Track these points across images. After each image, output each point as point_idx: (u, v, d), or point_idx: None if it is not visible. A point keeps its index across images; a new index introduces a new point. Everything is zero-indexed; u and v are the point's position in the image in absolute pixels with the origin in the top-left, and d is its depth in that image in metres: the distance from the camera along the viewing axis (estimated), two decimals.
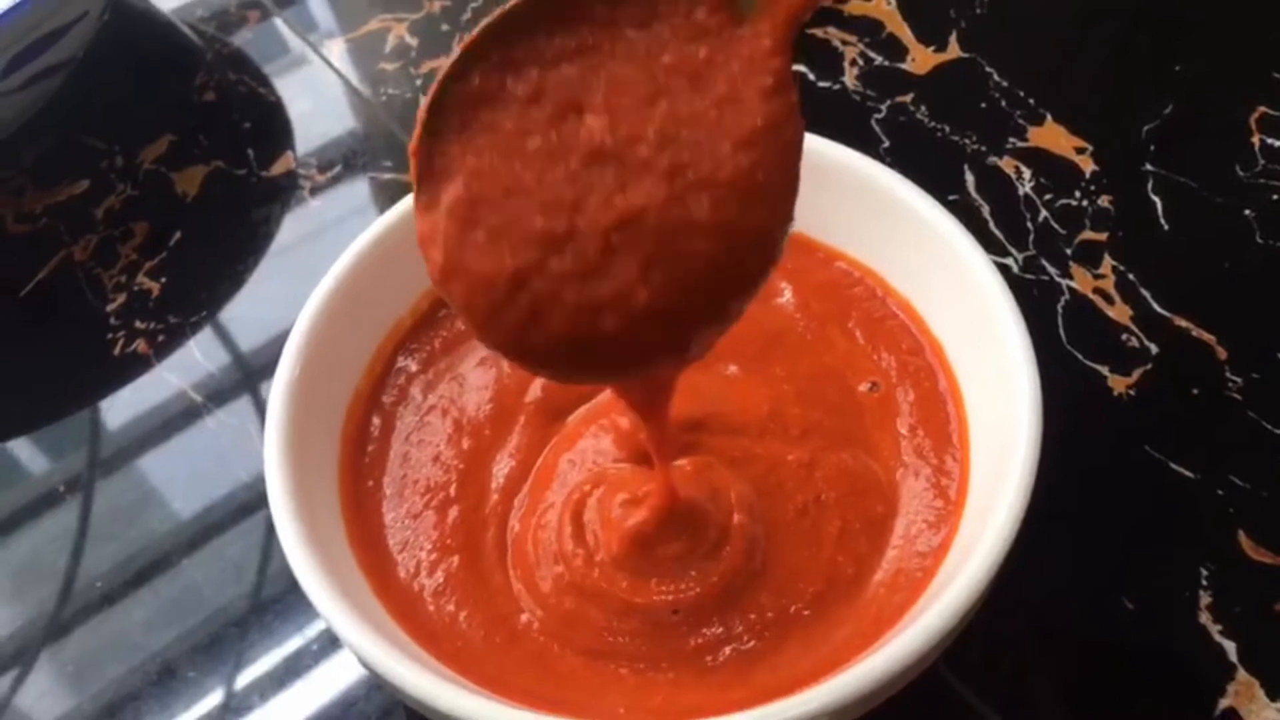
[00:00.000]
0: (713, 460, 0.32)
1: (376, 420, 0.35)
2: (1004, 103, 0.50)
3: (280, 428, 0.31)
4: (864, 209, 0.36)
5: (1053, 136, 0.48)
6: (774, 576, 0.31)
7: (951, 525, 0.31)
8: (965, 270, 0.33)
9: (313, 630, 0.37)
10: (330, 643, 0.36)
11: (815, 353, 0.35)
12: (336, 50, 0.56)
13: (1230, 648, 0.34)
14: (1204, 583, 0.35)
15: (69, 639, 0.38)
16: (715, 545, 0.31)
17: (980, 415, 0.33)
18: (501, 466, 0.34)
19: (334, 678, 0.36)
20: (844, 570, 0.31)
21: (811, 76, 0.52)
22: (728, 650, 0.30)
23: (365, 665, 0.28)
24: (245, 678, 0.36)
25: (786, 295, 0.37)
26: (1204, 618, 0.35)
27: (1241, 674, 0.33)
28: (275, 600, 0.38)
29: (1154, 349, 0.41)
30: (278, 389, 0.32)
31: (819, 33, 0.53)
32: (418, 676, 0.27)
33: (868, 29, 0.53)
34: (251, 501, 0.40)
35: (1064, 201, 0.46)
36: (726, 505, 0.31)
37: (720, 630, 0.30)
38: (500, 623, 0.31)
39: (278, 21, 0.58)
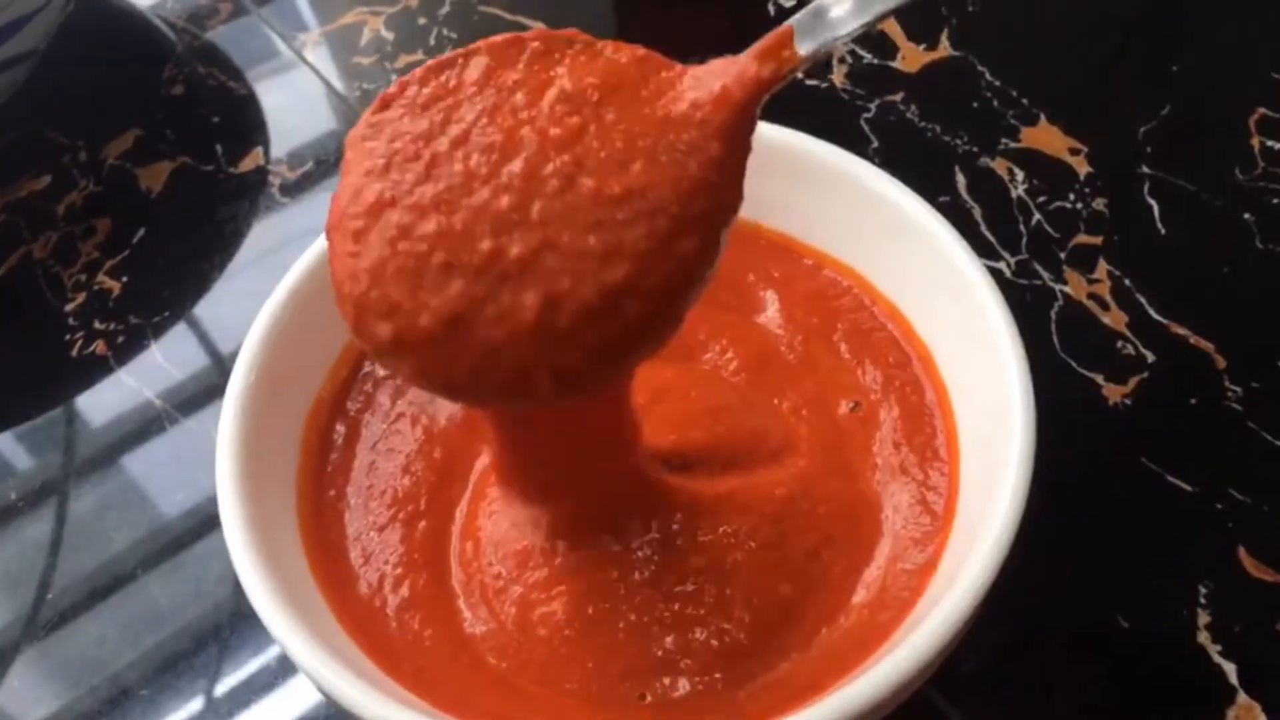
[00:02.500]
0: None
1: (341, 428, 0.33)
2: (996, 102, 0.49)
3: (234, 435, 0.30)
4: (852, 210, 0.35)
5: (1046, 137, 0.47)
6: (754, 640, 0.29)
7: (939, 542, 0.30)
8: (956, 274, 0.32)
9: (273, 649, 0.35)
10: (291, 662, 0.35)
11: (799, 376, 0.34)
12: (311, 44, 0.55)
13: (1230, 669, 0.33)
14: (1203, 601, 0.34)
15: (19, 658, 0.36)
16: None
17: (970, 427, 0.31)
18: (474, 481, 0.32)
19: (295, 699, 0.34)
20: (824, 600, 0.29)
21: (799, 75, 0.50)
22: (701, 697, 0.28)
23: (318, 688, 0.26)
24: (203, 698, 0.35)
25: (772, 309, 0.36)
26: (1203, 637, 0.33)
27: (1242, 697, 0.32)
28: (236, 617, 0.36)
29: (1150, 357, 0.40)
30: (232, 395, 0.31)
31: None
32: (372, 701, 0.25)
33: None
34: (213, 514, 0.37)
35: (1058, 204, 0.45)
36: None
37: (695, 687, 0.28)
38: (465, 644, 0.29)
39: (251, 14, 0.57)
